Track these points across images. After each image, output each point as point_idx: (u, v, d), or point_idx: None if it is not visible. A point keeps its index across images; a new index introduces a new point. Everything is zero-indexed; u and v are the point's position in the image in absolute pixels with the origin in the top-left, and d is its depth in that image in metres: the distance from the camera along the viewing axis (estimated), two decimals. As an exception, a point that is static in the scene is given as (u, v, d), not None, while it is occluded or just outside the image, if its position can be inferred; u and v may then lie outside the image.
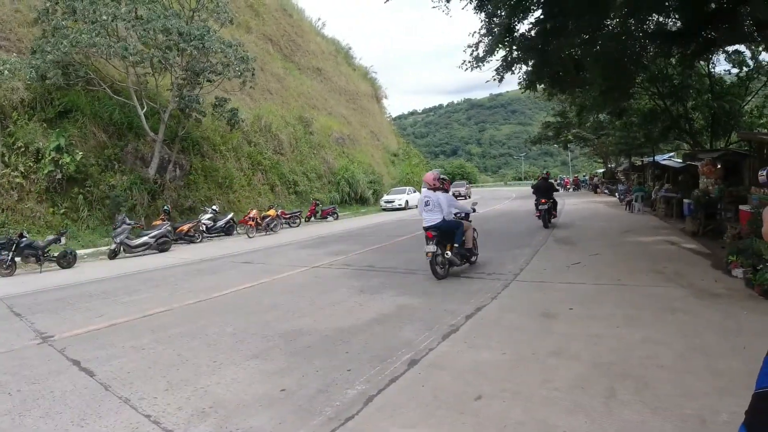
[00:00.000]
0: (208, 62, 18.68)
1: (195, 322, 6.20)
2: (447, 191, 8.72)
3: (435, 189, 8.42)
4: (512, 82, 17.00)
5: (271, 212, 20.18)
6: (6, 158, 15.69)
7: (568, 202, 28.26)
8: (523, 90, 16.27)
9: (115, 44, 16.00)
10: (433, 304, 6.48)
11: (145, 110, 18.42)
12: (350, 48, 54.12)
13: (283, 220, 21.81)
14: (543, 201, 15.20)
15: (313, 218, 25.63)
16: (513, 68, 13.95)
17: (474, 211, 9.85)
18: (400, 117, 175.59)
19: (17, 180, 15.59)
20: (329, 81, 43.67)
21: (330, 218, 25.82)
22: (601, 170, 52.44)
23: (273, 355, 4.81)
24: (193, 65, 18.43)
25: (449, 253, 8.15)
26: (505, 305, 6.24)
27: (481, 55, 13.18)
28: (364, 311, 6.33)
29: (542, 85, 16.59)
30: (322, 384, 4.02)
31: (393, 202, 32.20)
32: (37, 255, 12.32)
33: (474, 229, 9.11)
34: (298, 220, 23.14)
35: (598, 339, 4.71)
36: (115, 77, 19.08)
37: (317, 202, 26.71)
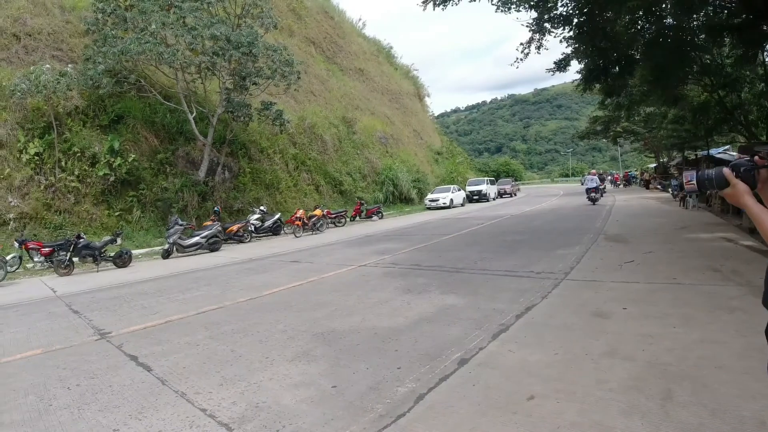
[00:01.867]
0: (254, 67, 19.02)
1: (247, 320, 6.27)
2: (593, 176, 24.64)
3: (594, 175, 24.96)
4: (559, 77, 16.96)
5: (317, 212, 20.38)
6: (63, 163, 16.42)
7: (619, 199, 27.43)
8: (581, 90, 16.62)
9: (164, 50, 16.49)
10: (482, 303, 6.33)
11: (194, 115, 18.92)
12: (391, 47, 54.24)
13: (329, 220, 22.00)
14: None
15: (358, 218, 25.73)
16: (552, 24, 13.86)
17: (604, 181, 31.30)
18: (442, 115, 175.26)
19: (73, 184, 16.33)
20: (371, 81, 43.82)
21: (375, 217, 25.85)
22: (653, 165, 50.72)
23: (323, 352, 4.80)
24: (239, 70, 18.81)
25: (599, 196, 24.14)
26: (556, 304, 6.04)
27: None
28: (411, 310, 6.25)
29: (582, 66, 16.41)
30: (373, 381, 3.99)
31: (437, 200, 31.90)
32: (94, 255, 12.82)
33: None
34: (343, 220, 23.28)
35: (653, 339, 4.50)
36: (164, 84, 19.70)
37: (362, 201, 26.77)
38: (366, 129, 35.34)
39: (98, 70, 16.49)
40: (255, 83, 19.67)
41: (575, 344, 4.53)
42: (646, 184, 41.56)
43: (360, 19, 58.76)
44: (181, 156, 20.06)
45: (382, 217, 26.27)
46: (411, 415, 3.35)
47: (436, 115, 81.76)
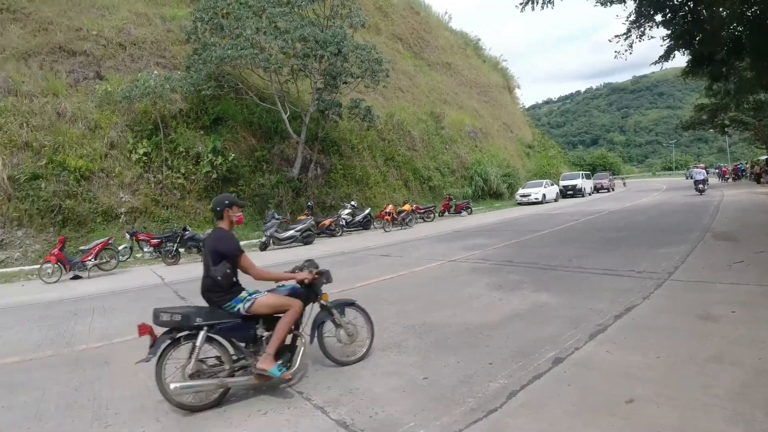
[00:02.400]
0: (343, 66, 19.49)
1: (340, 310, 6.45)
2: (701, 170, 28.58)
3: (702, 169, 29.11)
4: (660, 64, 15.89)
5: (406, 207, 20.54)
6: (169, 162, 17.76)
7: (727, 194, 25.19)
8: (686, 75, 15.72)
9: (259, 55, 17.32)
10: (577, 302, 6.08)
11: (288, 114, 19.68)
12: (479, 39, 53.43)
13: (418, 215, 22.10)
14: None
15: (447, 213, 25.60)
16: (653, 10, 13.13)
17: (708, 173, 32.71)
18: (533, 107, 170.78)
19: (179, 181, 17.64)
20: (459, 75, 43.39)
21: (464, 213, 25.57)
22: (764, 157, 46.06)
23: (414, 344, 4.85)
24: (330, 70, 19.34)
25: (705, 187, 27.19)
26: (659, 306, 5.68)
27: None
28: (503, 306, 6.14)
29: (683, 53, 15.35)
30: (464, 375, 3.98)
31: (529, 195, 30.91)
32: (199, 246, 13.78)
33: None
34: (432, 215, 23.26)
35: (763, 344, 4.15)
36: (260, 86, 20.69)
37: (451, 197, 26.60)
38: (454, 123, 35.05)
39: (201, 76, 17.65)
40: (345, 82, 20.14)
41: (679, 347, 4.27)
42: (758, 178, 37.74)
43: (446, 13, 58.33)
44: (277, 154, 20.98)
45: (471, 213, 25.93)
46: (503, 411, 3.32)
47: (526, 107, 79.55)
